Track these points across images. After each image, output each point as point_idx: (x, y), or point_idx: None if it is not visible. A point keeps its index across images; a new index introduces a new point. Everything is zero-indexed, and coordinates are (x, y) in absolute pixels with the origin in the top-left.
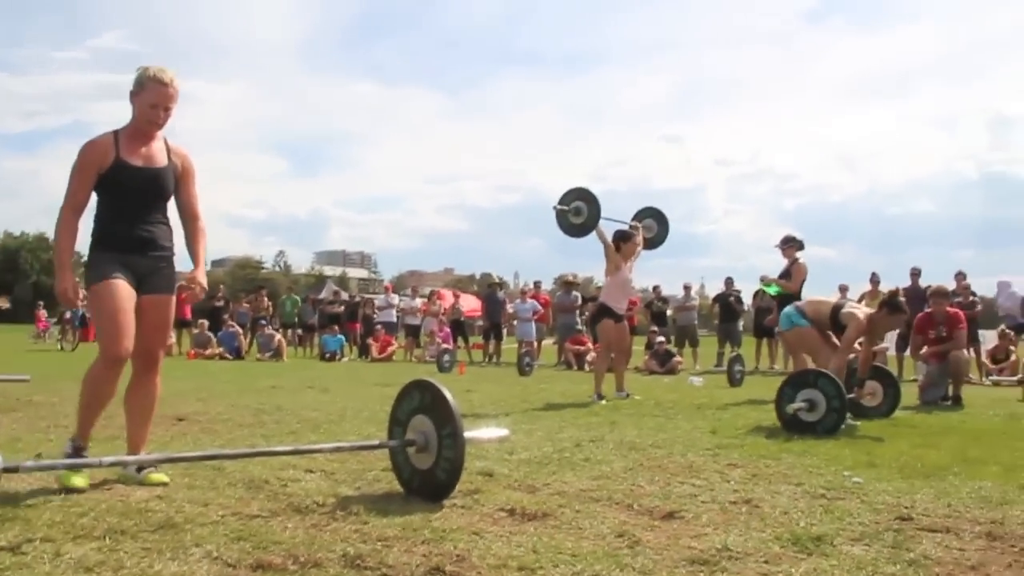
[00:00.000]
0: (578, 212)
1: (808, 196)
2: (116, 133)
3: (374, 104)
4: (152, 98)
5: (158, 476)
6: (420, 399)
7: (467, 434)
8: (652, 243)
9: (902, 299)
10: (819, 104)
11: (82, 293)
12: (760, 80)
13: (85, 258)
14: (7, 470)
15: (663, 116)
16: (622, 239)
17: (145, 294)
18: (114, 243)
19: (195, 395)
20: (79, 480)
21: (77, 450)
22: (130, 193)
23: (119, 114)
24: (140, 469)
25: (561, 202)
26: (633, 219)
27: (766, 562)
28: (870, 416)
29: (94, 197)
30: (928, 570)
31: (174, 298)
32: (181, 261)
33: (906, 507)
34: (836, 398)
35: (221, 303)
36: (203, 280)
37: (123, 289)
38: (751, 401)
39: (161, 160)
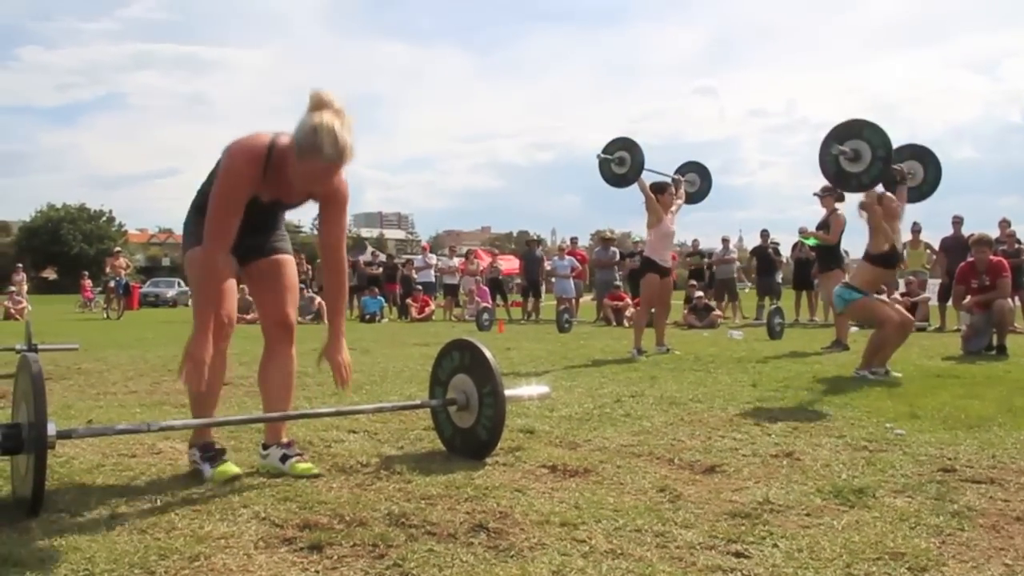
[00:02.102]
0: (621, 162)
1: None
2: (270, 151)
3: (404, 65)
4: (311, 175)
5: (306, 466)
6: (460, 358)
7: (508, 392)
8: (694, 198)
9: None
10: (854, 52)
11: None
12: (793, 29)
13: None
14: (61, 436)
15: (695, 68)
16: (659, 190)
17: (257, 258)
18: None
19: (238, 359)
20: (233, 468)
21: (205, 449)
22: (246, 217)
23: (154, 84)
24: (285, 459)
25: (605, 151)
26: (676, 172)
27: (808, 515)
28: (910, 198)
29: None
30: (972, 521)
31: (292, 258)
32: None
33: (949, 458)
34: (882, 147)
35: None
36: (346, 354)
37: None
38: (792, 354)
39: (295, 197)
